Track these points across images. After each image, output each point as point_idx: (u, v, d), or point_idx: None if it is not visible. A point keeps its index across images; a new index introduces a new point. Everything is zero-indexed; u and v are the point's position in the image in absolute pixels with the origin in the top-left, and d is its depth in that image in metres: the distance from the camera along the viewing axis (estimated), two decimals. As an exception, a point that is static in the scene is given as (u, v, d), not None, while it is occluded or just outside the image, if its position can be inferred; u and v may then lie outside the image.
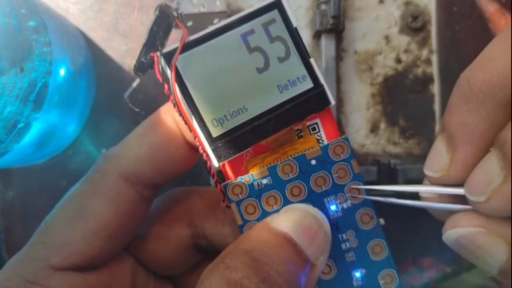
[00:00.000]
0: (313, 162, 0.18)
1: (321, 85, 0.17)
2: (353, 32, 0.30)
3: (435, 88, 0.30)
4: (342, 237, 0.18)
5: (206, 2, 0.29)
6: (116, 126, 0.29)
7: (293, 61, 0.17)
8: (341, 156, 0.18)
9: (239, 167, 0.18)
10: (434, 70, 0.30)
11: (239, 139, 0.17)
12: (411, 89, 0.30)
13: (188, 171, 0.20)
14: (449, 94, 0.15)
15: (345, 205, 0.18)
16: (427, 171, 0.16)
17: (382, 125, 0.30)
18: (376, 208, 0.18)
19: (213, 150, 0.17)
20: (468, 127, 0.15)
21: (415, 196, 0.17)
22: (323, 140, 0.18)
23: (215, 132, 0.17)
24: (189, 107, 0.17)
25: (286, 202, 0.18)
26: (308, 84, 0.17)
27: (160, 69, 0.16)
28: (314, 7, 0.29)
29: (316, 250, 0.16)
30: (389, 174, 0.27)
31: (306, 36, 0.29)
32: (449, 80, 0.29)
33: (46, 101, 0.23)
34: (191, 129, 0.17)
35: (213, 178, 0.17)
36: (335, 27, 0.27)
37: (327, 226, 0.17)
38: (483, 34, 0.29)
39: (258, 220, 0.17)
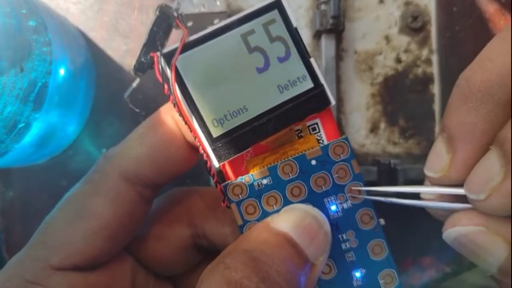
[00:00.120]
0: (313, 162, 0.18)
1: (321, 85, 0.17)
2: (353, 32, 0.30)
3: (435, 88, 0.30)
4: (342, 237, 0.18)
5: (206, 2, 0.29)
6: (116, 126, 0.29)
7: (293, 61, 0.17)
8: (341, 156, 0.18)
9: (239, 167, 0.18)
10: (434, 70, 0.30)
11: (239, 139, 0.17)
12: (411, 89, 0.30)
13: (189, 171, 0.20)
14: (449, 94, 0.16)
15: (345, 205, 0.18)
16: (428, 172, 0.16)
17: (382, 125, 0.30)
18: (376, 208, 0.18)
19: (213, 150, 0.17)
20: (468, 127, 0.15)
21: (415, 195, 0.17)
22: (323, 140, 0.18)
23: (216, 132, 0.17)
24: (189, 107, 0.17)
25: (286, 202, 0.18)
26: (308, 84, 0.17)
27: (160, 69, 0.16)
28: (314, 7, 0.29)
29: (316, 250, 0.16)
30: (389, 174, 0.27)
31: (306, 36, 0.29)
32: (449, 80, 0.29)
33: (46, 101, 0.23)
34: (191, 129, 0.17)
35: (213, 178, 0.17)
36: (335, 27, 0.27)
37: (327, 226, 0.17)
38: (483, 34, 0.29)
39: (258, 220, 0.17)
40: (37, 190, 0.29)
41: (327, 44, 0.28)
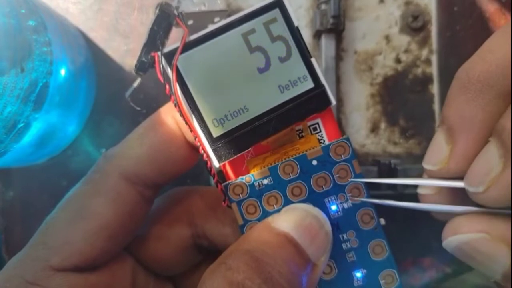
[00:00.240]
0: (314, 162, 0.17)
1: (322, 85, 0.17)
2: (353, 32, 0.29)
3: (435, 88, 0.30)
4: (343, 237, 0.18)
5: (207, 0, 0.29)
6: (116, 126, 0.29)
7: (294, 61, 0.17)
8: (342, 156, 0.18)
9: (240, 167, 0.18)
10: (434, 70, 0.30)
11: (240, 139, 0.17)
12: (411, 89, 0.30)
13: (189, 171, 0.20)
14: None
15: (345, 205, 0.18)
16: (426, 165, 0.16)
17: (382, 125, 0.30)
18: (377, 208, 0.18)
19: (214, 150, 0.17)
20: (467, 117, 0.14)
21: (414, 198, 0.17)
22: (324, 140, 0.18)
23: (216, 132, 0.17)
24: (190, 107, 0.17)
25: (287, 202, 0.17)
26: (309, 84, 0.17)
27: (161, 68, 0.16)
28: (314, 7, 0.29)
29: (317, 250, 0.16)
30: (389, 174, 0.27)
31: (306, 36, 0.29)
32: (449, 80, 0.29)
33: (47, 101, 0.23)
34: (191, 129, 0.17)
35: (213, 178, 0.17)
36: (335, 27, 0.27)
37: (328, 226, 0.17)
38: (483, 34, 0.29)
39: (259, 220, 0.17)
40: (37, 190, 0.29)
41: (327, 44, 0.28)
